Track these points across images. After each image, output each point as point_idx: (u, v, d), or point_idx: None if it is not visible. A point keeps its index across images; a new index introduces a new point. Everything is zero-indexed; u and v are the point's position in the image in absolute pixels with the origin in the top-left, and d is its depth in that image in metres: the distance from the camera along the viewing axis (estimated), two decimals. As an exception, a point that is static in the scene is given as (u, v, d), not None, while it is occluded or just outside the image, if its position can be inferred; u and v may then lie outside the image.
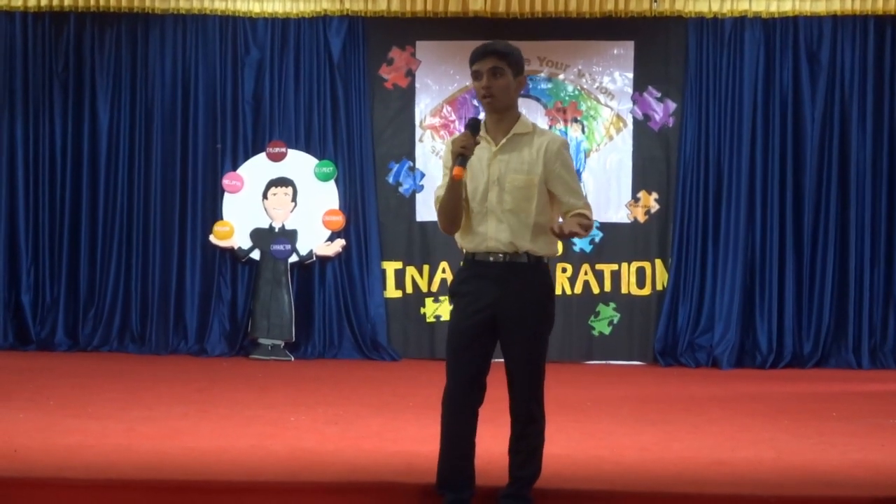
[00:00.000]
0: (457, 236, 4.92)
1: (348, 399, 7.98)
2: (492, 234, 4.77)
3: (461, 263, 4.95)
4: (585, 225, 4.72)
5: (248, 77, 10.47)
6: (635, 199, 10.38)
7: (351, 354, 10.28)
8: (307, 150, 10.41)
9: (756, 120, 10.19)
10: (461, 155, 4.62)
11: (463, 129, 4.73)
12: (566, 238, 4.71)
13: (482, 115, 4.92)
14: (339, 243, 10.32)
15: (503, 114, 4.82)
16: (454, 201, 4.77)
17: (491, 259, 4.78)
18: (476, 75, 4.78)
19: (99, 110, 10.50)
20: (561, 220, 4.84)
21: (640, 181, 10.39)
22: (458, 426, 4.84)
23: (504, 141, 4.80)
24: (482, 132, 4.82)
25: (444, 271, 10.33)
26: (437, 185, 4.95)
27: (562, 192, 4.80)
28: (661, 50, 10.37)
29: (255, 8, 10.40)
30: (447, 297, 5.02)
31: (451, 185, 4.72)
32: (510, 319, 4.76)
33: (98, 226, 10.49)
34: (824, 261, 10.16)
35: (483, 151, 4.79)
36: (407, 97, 10.52)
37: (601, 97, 10.41)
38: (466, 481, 4.88)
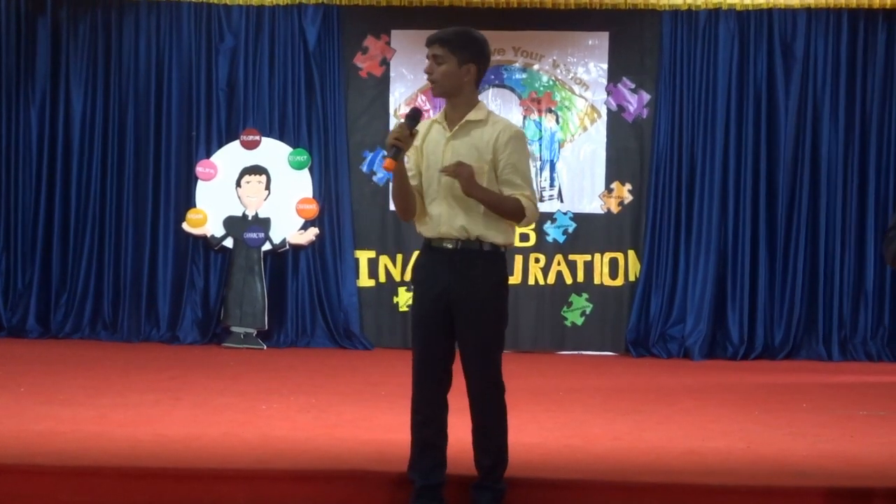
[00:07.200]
0: (416, 222, 4.94)
1: (321, 387, 7.98)
2: (444, 219, 4.79)
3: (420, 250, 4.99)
4: (502, 200, 4.70)
5: (223, 64, 10.41)
6: (609, 189, 10.40)
7: (324, 343, 10.26)
8: (281, 138, 10.37)
9: (730, 112, 10.20)
10: (394, 146, 4.63)
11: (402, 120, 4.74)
12: (448, 173, 4.69)
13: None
14: (313, 232, 10.29)
15: (455, 100, 4.86)
16: (397, 189, 4.81)
17: (445, 245, 4.79)
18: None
19: (73, 96, 10.43)
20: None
21: (614, 172, 10.40)
22: (427, 414, 4.86)
23: (457, 127, 4.83)
24: (440, 118, 4.90)
25: (417, 260, 10.32)
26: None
27: (507, 176, 4.77)
28: (636, 41, 10.37)
29: (230, -5, 10.37)
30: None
31: (394, 175, 4.74)
32: (463, 307, 4.76)
33: (71, 212, 10.44)
34: (796, 253, 10.19)
35: (439, 136, 4.85)
36: (381, 86, 10.49)
37: (575, 88, 10.42)
38: (437, 468, 4.90)
